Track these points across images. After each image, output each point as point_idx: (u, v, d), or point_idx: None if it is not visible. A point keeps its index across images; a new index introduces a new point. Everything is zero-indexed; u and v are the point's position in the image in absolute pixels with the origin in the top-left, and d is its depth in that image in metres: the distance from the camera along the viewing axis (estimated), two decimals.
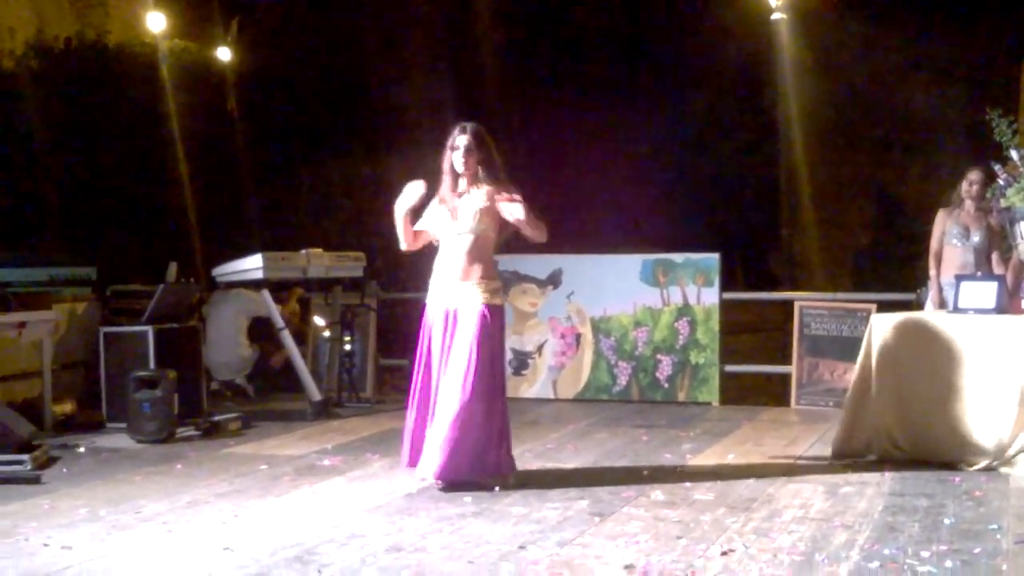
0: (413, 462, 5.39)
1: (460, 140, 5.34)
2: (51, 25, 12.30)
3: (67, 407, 7.87)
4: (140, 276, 9.19)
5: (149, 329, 7.49)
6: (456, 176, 5.37)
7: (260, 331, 8.87)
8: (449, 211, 5.36)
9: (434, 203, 5.46)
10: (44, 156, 11.17)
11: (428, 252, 5.59)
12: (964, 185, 7.05)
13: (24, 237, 10.28)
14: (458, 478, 5.18)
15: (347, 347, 8.67)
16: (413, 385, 5.47)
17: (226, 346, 8.76)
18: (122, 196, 11.24)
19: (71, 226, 10.92)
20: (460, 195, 5.36)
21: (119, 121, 11.50)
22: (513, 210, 5.26)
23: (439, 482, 5.22)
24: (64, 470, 5.97)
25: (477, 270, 5.31)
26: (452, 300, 5.32)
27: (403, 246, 5.57)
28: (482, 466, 5.23)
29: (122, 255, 10.21)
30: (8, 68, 11.80)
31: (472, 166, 5.33)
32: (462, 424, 5.14)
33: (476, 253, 5.32)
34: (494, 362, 5.29)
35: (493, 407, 5.26)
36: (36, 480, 5.62)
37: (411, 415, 5.45)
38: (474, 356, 5.18)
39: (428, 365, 5.38)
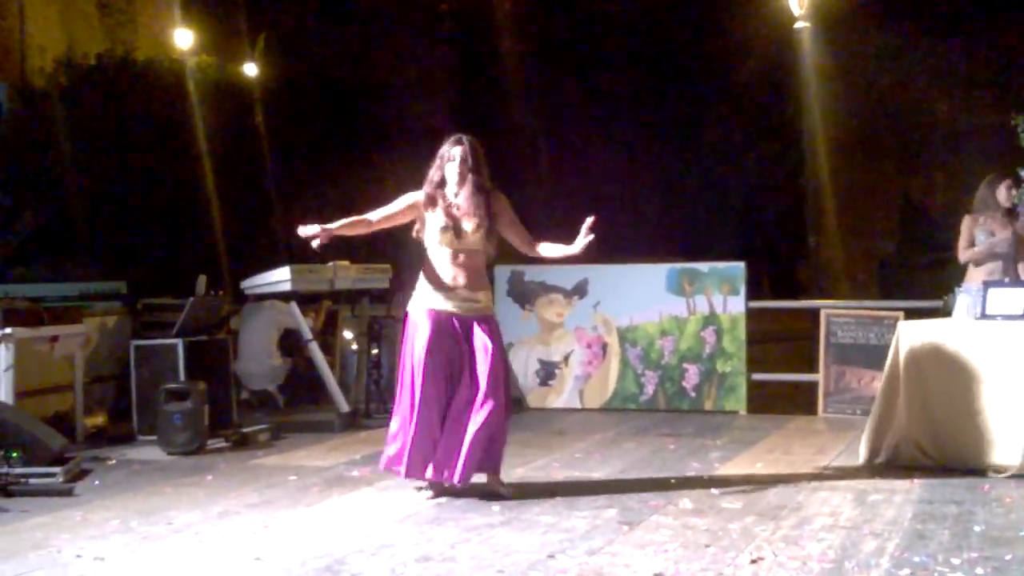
0: (415, 472, 5.34)
1: (455, 151, 5.39)
2: (81, 43, 12.46)
3: (98, 420, 7.97)
4: (170, 289, 9.27)
5: (179, 342, 7.54)
6: (449, 186, 5.39)
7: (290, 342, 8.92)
8: (448, 225, 5.34)
9: (420, 204, 5.42)
10: (74, 172, 11.29)
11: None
12: (1002, 191, 6.93)
13: (56, 253, 10.40)
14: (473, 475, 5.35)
15: (374, 358, 8.72)
16: (414, 394, 5.31)
17: (258, 357, 8.81)
18: (151, 211, 11.34)
19: (101, 241, 11.04)
20: (458, 209, 5.35)
21: (147, 136, 11.61)
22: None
23: (458, 483, 5.28)
24: (96, 482, 6.02)
25: (481, 281, 5.45)
26: (459, 308, 5.34)
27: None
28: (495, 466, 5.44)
29: (152, 269, 10.30)
30: (39, 86, 11.95)
31: (464, 176, 5.37)
32: (500, 426, 5.32)
33: (478, 266, 5.43)
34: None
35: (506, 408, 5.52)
36: (68, 492, 5.68)
37: (415, 422, 5.28)
38: (499, 362, 5.34)
39: (437, 372, 5.30)
